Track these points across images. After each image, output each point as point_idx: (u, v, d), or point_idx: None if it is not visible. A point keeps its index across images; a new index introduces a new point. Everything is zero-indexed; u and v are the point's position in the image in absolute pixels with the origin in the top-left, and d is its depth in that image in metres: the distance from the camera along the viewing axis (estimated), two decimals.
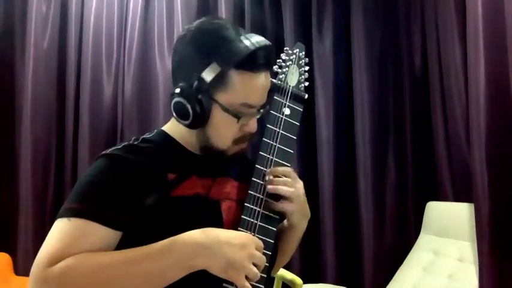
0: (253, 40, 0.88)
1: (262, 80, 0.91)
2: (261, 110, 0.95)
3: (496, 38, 1.83)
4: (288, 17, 2.60)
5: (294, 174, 0.95)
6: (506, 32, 1.80)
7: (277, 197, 0.93)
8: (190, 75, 0.88)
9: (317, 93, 2.56)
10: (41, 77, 2.72)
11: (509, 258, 1.79)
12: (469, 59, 1.96)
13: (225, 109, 0.89)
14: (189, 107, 0.87)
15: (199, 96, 0.87)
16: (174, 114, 0.91)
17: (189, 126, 0.91)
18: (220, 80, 0.87)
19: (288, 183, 0.93)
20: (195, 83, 0.87)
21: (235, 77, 0.88)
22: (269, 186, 0.92)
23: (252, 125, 0.94)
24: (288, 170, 0.94)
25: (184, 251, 0.77)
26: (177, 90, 0.89)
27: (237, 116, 0.90)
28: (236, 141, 0.94)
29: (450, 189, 2.32)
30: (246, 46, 0.87)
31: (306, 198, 0.97)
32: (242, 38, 0.88)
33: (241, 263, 0.77)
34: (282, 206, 0.92)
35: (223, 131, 0.92)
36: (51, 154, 2.72)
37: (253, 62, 0.88)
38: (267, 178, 0.93)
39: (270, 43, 0.91)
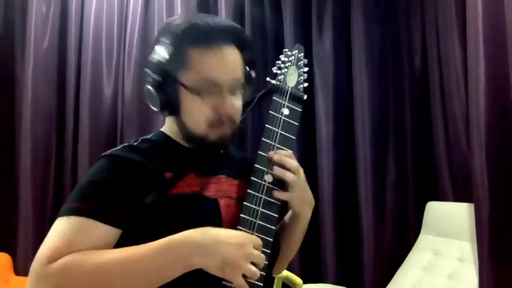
0: (210, 20, 0.91)
1: (223, 54, 0.91)
2: (238, 91, 0.95)
3: (496, 38, 1.83)
4: (288, 17, 2.59)
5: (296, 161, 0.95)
6: (506, 32, 1.80)
7: (280, 185, 0.92)
8: (153, 62, 0.92)
9: (317, 93, 2.56)
10: (41, 76, 2.73)
11: (509, 258, 1.79)
12: (469, 59, 1.96)
13: (188, 88, 0.90)
14: (154, 91, 0.91)
15: (161, 79, 0.91)
16: (150, 104, 0.95)
17: (162, 112, 0.94)
18: (178, 60, 0.90)
19: (293, 168, 0.92)
20: (154, 66, 0.91)
21: (192, 54, 0.90)
22: (276, 169, 0.91)
23: (226, 105, 0.91)
24: (291, 153, 0.94)
25: (182, 250, 0.78)
26: (146, 80, 0.93)
27: (198, 93, 0.90)
28: (212, 124, 0.91)
29: (450, 189, 2.32)
30: (197, 23, 0.90)
31: (307, 184, 0.97)
32: (198, 19, 0.91)
33: (237, 262, 0.77)
34: (286, 195, 0.92)
35: (194, 113, 0.92)
36: (51, 154, 2.73)
37: (207, 36, 0.90)
38: (273, 156, 0.92)
39: (237, 25, 0.96)
